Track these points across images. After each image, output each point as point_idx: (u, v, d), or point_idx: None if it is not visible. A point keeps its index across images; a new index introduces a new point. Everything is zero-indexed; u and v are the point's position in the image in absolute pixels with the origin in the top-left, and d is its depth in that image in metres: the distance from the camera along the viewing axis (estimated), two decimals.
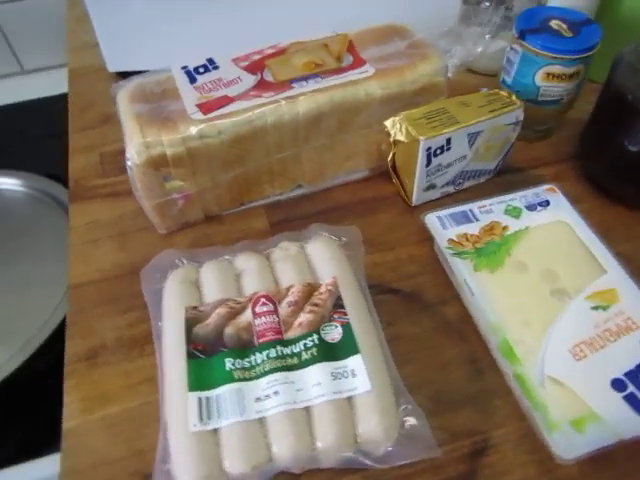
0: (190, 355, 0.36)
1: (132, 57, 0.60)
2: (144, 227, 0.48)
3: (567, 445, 0.33)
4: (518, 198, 0.46)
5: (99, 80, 0.65)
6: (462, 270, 0.41)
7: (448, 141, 0.44)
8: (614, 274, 0.40)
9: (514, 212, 0.45)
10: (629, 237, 0.46)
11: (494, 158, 0.49)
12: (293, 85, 0.44)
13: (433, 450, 0.33)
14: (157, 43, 0.57)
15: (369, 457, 0.33)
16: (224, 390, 0.34)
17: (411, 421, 0.34)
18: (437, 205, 0.48)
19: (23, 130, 0.82)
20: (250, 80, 0.45)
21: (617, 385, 0.35)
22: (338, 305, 0.38)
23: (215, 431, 0.33)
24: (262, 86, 0.45)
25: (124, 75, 0.50)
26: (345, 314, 0.38)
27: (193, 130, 0.41)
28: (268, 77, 0.46)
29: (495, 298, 0.40)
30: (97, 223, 0.49)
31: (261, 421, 0.33)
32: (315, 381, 0.35)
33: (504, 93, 0.47)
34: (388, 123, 0.46)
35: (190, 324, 0.38)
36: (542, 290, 0.40)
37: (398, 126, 0.45)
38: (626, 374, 0.35)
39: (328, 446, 0.33)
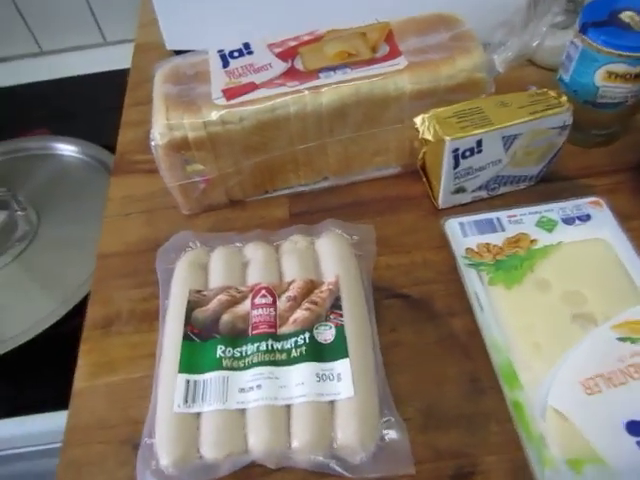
0: (185, 337, 0.37)
1: (190, 36, 0.60)
2: (172, 206, 0.49)
3: None
4: (555, 209, 0.42)
5: (159, 57, 0.67)
6: (475, 282, 0.39)
7: (479, 143, 0.41)
8: None
9: (548, 225, 0.41)
10: None
11: (536, 164, 0.45)
12: (320, 75, 0.43)
13: (408, 467, 0.32)
14: (215, 22, 0.57)
15: (343, 465, 0.32)
16: (211, 376, 0.35)
17: (391, 434, 0.33)
18: (467, 210, 0.45)
19: (94, 100, 0.86)
20: (280, 67, 0.45)
21: (633, 428, 0.31)
22: (336, 305, 0.38)
23: (197, 415, 0.34)
24: (290, 74, 0.44)
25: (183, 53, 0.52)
26: (341, 315, 0.37)
27: (215, 115, 0.42)
28: (298, 65, 0.45)
29: (506, 316, 0.37)
30: (132, 197, 0.51)
31: (241, 412, 0.34)
32: (299, 380, 0.34)
33: (552, 93, 0.43)
34: (418, 120, 0.43)
35: (191, 307, 0.38)
36: (562, 313, 0.37)
37: (427, 124, 0.42)
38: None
39: (303, 446, 0.32)
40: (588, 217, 0.41)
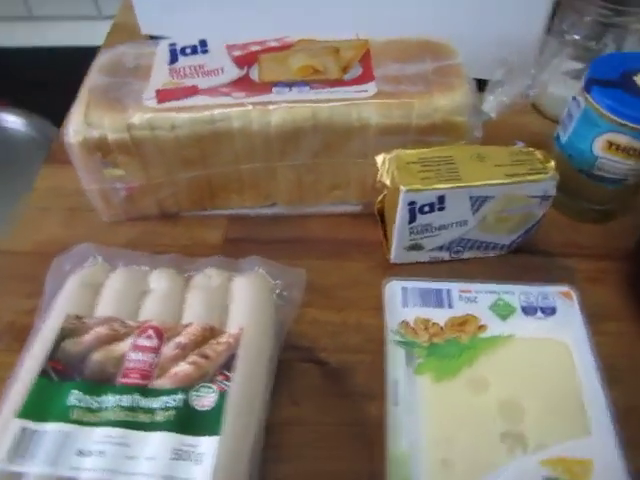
0: (43, 373, 0.31)
1: (166, 22, 0.55)
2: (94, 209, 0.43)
3: None
4: (517, 293, 0.35)
5: (130, 40, 0.62)
6: (398, 366, 0.32)
7: (441, 199, 0.35)
8: (599, 441, 0.29)
9: (504, 310, 0.34)
10: None
11: (509, 233, 0.38)
12: (273, 90, 0.37)
13: None
14: (194, 10, 0.52)
15: None
16: (52, 428, 0.29)
17: None
18: (422, 270, 0.38)
19: (70, 75, 0.82)
20: (233, 74, 0.39)
21: None
22: (229, 365, 0.31)
23: (19, 476, 0.28)
24: (240, 84, 0.38)
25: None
26: (229, 379, 0.31)
27: (138, 118, 0.36)
28: (254, 74, 0.39)
29: (424, 418, 0.30)
30: (58, 191, 0.46)
31: None
32: (152, 453, 0.28)
33: (539, 155, 0.36)
34: (379, 159, 0.37)
35: (63, 335, 0.32)
36: (493, 427, 0.30)
37: (387, 166, 0.36)
38: None
39: None
40: (553, 311, 0.34)
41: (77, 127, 0.36)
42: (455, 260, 0.40)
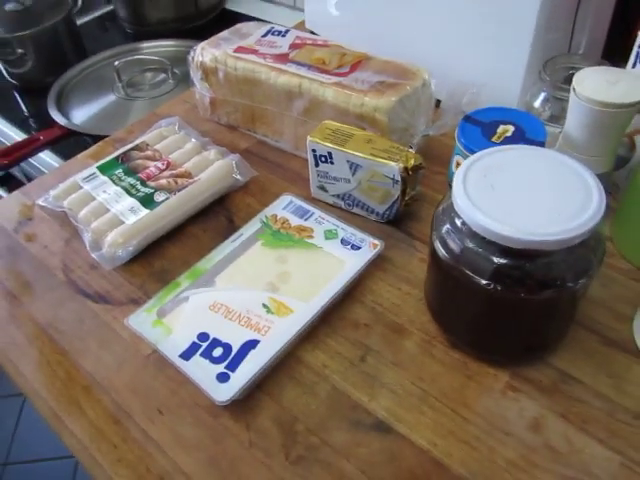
0: (116, 157, 0.62)
1: (321, 24, 0.82)
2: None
3: (138, 321, 0.46)
4: (347, 231, 0.52)
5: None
6: (250, 229, 0.53)
7: (330, 155, 0.54)
8: (306, 308, 0.46)
9: (330, 235, 0.52)
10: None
11: (380, 203, 0.54)
12: (288, 64, 0.60)
13: (108, 266, 0.52)
14: (340, 23, 0.77)
15: (99, 249, 0.54)
16: (103, 178, 0.60)
17: (122, 253, 0.53)
18: (326, 209, 0.58)
19: None
20: (282, 50, 0.63)
21: (201, 336, 0.44)
22: (181, 190, 0.58)
23: (80, 187, 0.60)
24: (278, 57, 0.62)
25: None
26: (175, 194, 0.57)
27: (219, 56, 0.64)
28: (291, 54, 0.62)
29: (240, 255, 0.51)
30: (190, 93, 0.77)
31: (92, 198, 0.58)
32: (124, 204, 0.56)
33: (407, 153, 0.51)
34: (321, 124, 0.57)
35: (134, 148, 0.63)
36: (266, 277, 0.49)
37: (318, 127, 0.56)
38: (215, 339, 0.44)
39: (93, 228, 0.55)
40: (359, 248, 0.50)
41: (196, 53, 0.66)
42: (348, 211, 0.58)
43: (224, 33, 0.68)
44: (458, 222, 0.38)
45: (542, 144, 0.46)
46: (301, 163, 0.65)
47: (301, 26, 0.88)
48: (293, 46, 0.64)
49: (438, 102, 0.59)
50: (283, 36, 0.66)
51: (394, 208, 0.54)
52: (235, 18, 1.16)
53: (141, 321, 0.46)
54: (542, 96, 0.55)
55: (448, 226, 0.39)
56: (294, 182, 0.62)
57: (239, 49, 0.64)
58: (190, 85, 0.70)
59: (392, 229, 0.56)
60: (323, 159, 0.55)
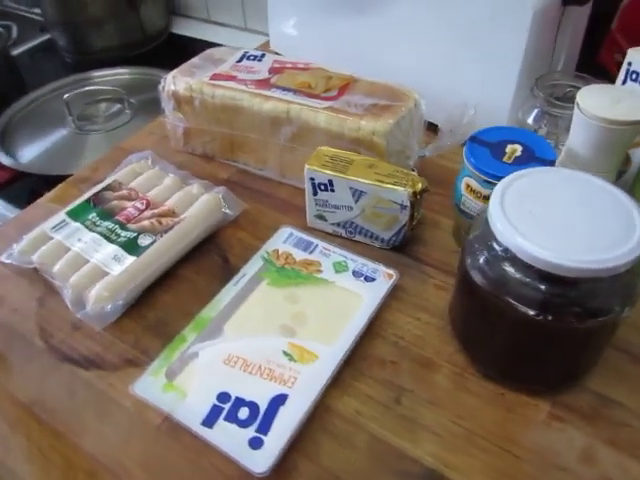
0: (87, 200, 0.56)
1: (287, 46, 0.79)
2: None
3: (145, 386, 0.41)
4: (357, 262, 0.49)
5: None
6: (252, 268, 0.49)
7: (330, 182, 0.51)
8: (331, 352, 0.42)
9: (340, 267, 0.49)
10: None
11: (385, 229, 0.52)
12: (272, 89, 0.57)
13: (99, 326, 0.47)
14: (307, 44, 0.75)
15: (83, 307, 0.48)
16: (75, 225, 0.53)
17: (111, 307, 0.47)
18: (326, 238, 0.54)
19: None
20: (262, 76, 0.60)
21: (221, 396, 0.40)
22: (167, 231, 0.52)
23: (50, 237, 0.53)
24: (260, 82, 0.59)
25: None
26: (162, 236, 0.52)
27: (195, 84, 0.59)
28: (273, 79, 0.59)
29: (247, 298, 0.47)
30: (160, 125, 0.72)
31: (67, 249, 0.51)
32: (105, 252, 0.50)
33: (412, 176, 0.49)
34: (315, 150, 0.54)
35: (106, 188, 0.58)
36: (279, 319, 0.45)
37: (314, 154, 0.53)
38: (237, 398, 0.39)
39: (73, 283, 0.48)
40: (373, 280, 0.48)
41: (167, 82, 0.61)
42: (349, 239, 0.55)
43: (195, 60, 0.64)
44: (498, 249, 0.36)
45: (552, 163, 0.45)
46: (289, 191, 0.61)
47: (265, 47, 0.85)
48: (273, 70, 0.61)
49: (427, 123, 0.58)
50: (259, 61, 0.63)
51: (401, 233, 0.52)
52: (183, 42, 1.12)
53: (149, 387, 0.40)
54: (535, 113, 0.55)
55: (486, 254, 0.37)
56: (286, 212, 0.59)
57: (215, 76, 0.60)
58: (161, 114, 0.66)
59: (399, 255, 0.53)
60: (323, 187, 0.52)
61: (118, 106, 0.89)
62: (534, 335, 0.38)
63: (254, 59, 0.63)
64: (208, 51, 0.66)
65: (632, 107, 0.44)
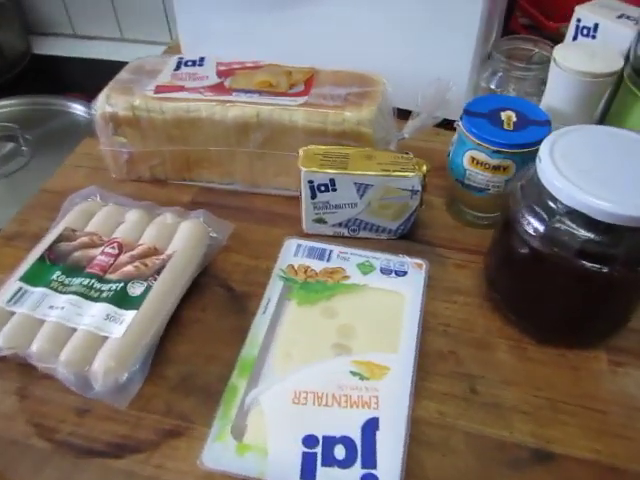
0: (40, 258, 0.46)
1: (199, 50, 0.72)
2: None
3: (216, 456, 0.34)
4: (381, 259, 0.46)
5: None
6: (274, 291, 0.44)
7: (332, 182, 0.47)
8: (400, 359, 0.39)
9: (365, 268, 0.46)
10: None
11: (393, 219, 0.50)
12: (233, 94, 0.52)
13: (122, 403, 0.38)
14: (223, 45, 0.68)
15: (84, 385, 0.39)
16: (38, 290, 0.44)
17: (130, 377, 0.39)
18: (328, 241, 0.50)
19: None
20: (213, 81, 0.54)
21: (308, 441, 0.35)
22: (158, 272, 0.45)
23: (11, 313, 0.43)
24: (214, 88, 0.53)
25: None
26: (155, 279, 0.44)
27: (139, 101, 0.51)
28: (227, 83, 0.53)
29: (281, 325, 0.42)
30: (90, 155, 0.62)
31: (40, 322, 0.42)
32: (93, 314, 0.42)
33: (415, 160, 0.48)
34: (300, 152, 0.50)
35: (60, 238, 0.48)
36: (327, 339, 0.41)
37: (301, 155, 0.49)
38: (325, 437, 0.35)
39: (66, 361, 0.40)
40: (404, 274, 0.45)
41: (100, 105, 0.52)
42: (353, 237, 0.52)
43: (123, 75, 0.56)
44: (557, 208, 0.36)
45: (548, 122, 0.46)
46: (266, 201, 0.56)
47: (176, 51, 0.77)
48: (221, 74, 0.55)
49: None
50: (200, 65, 0.56)
51: (411, 221, 0.50)
52: (49, 63, 0.99)
53: (220, 455, 0.34)
54: (497, 78, 0.56)
55: (540, 216, 0.37)
56: (273, 223, 0.54)
57: (160, 88, 0.53)
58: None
59: (407, 243, 0.51)
60: (323, 188, 0.48)
61: (11, 145, 0.76)
62: (598, 290, 0.38)
63: (193, 65, 0.56)
64: (134, 63, 0.58)
65: (608, 59, 0.47)
